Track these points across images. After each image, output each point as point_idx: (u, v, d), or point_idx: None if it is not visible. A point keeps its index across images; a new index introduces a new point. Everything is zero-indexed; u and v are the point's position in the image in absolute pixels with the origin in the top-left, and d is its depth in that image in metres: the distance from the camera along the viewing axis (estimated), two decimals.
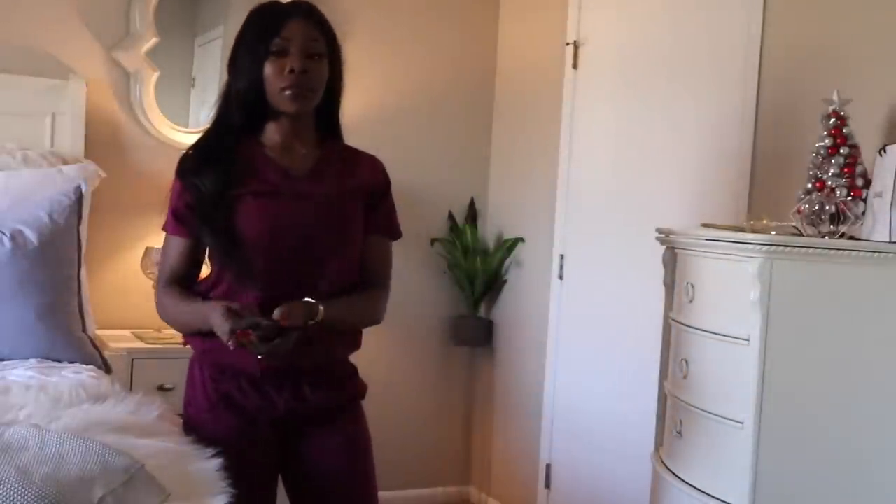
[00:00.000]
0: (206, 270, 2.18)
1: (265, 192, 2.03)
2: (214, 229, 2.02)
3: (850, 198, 2.14)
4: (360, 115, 3.64)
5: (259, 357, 1.91)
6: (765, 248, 1.97)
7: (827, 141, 2.19)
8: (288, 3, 2.08)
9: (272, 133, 2.08)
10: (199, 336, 2.07)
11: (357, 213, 2.12)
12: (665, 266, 2.42)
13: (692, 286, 2.20)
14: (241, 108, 2.05)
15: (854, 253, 1.98)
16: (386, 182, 2.19)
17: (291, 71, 1.97)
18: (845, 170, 2.16)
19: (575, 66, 3.56)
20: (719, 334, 2.09)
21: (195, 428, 2.06)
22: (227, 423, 2.05)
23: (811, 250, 1.99)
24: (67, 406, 2.12)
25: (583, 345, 3.50)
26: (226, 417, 2.05)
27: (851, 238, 2.09)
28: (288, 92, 1.98)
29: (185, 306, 2.06)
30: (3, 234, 2.73)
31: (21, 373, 2.48)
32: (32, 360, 2.62)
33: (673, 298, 2.37)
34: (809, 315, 2.01)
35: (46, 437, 1.68)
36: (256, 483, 2.03)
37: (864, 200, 2.13)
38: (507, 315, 4.00)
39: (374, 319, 2.18)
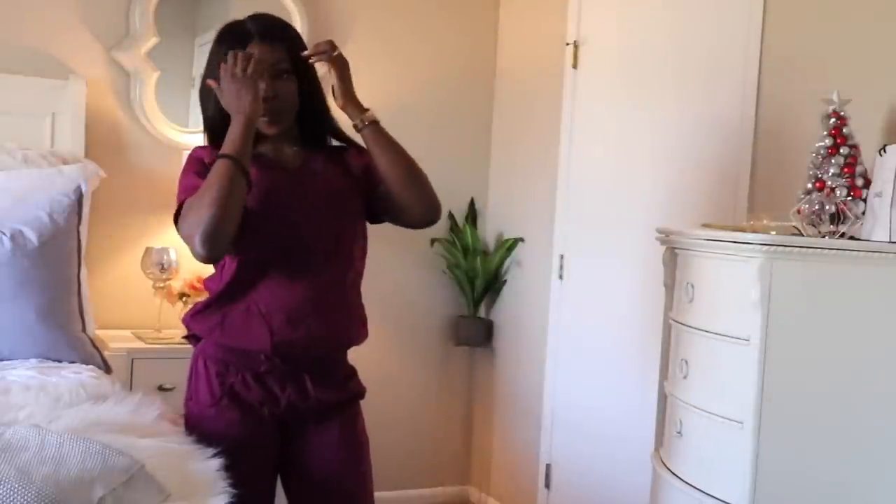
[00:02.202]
0: (206, 270, 2.18)
1: (261, 178, 2.06)
2: None
3: (850, 198, 2.14)
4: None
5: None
6: (765, 248, 1.97)
7: (827, 141, 2.19)
8: (248, 23, 2.09)
9: (260, 142, 2.12)
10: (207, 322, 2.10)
11: (353, 197, 2.16)
12: (665, 266, 2.42)
13: (692, 286, 2.20)
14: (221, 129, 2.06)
15: (854, 253, 1.98)
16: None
17: (264, 99, 2.00)
18: (845, 170, 2.16)
19: (575, 65, 3.56)
20: (719, 334, 2.09)
21: (197, 423, 2.07)
22: (230, 417, 2.07)
23: (811, 250, 1.99)
24: (67, 406, 2.13)
25: (583, 345, 3.50)
26: (229, 411, 2.07)
27: (851, 238, 2.09)
28: (265, 118, 2.04)
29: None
30: (3, 234, 2.73)
31: (21, 373, 2.47)
32: (32, 360, 2.62)
33: (673, 298, 2.37)
34: (809, 315, 2.01)
35: (46, 437, 1.68)
36: (256, 479, 2.03)
37: (864, 200, 2.13)
38: (507, 315, 4.00)
39: (426, 187, 2.12)
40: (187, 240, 1.90)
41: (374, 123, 2.09)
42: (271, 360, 2.07)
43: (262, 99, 1.99)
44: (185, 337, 2.21)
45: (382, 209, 2.18)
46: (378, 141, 2.09)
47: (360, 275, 2.20)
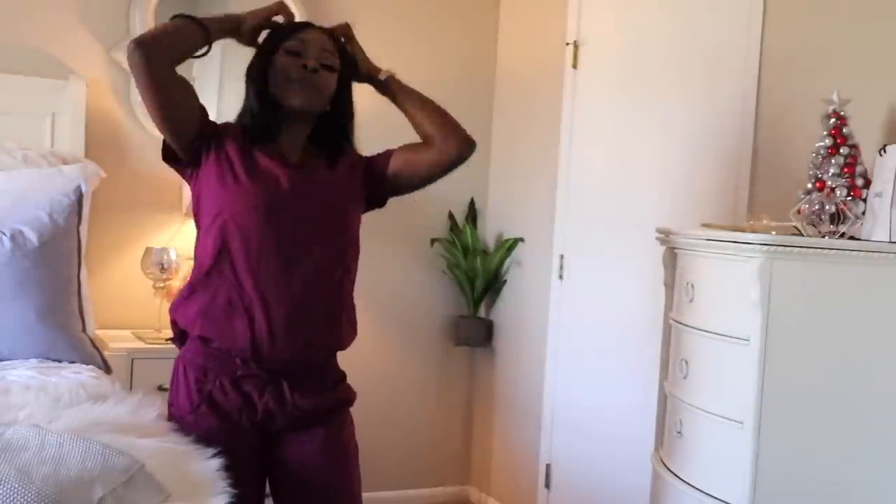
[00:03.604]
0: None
1: (257, 167, 2.09)
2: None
3: (850, 198, 2.14)
4: (360, 114, 3.63)
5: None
6: (765, 248, 1.97)
7: (827, 141, 2.19)
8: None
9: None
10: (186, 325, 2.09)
11: (350, 194, 2.17)
12: (665, 266, 2.42)
13: (692, 286, 2.20)
14: (265, 108, 2.12)
15: (854, 253, 1.98)
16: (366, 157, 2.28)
17: (304, 67, 2.06)
18: (845, 170, 2.17)
19: (575, 65, 3.56)
20: (719, 334, 2.09)
21: (178, 429, 2.06)
22: (208, 424, 2.05)
23: (811, 250, 1.99)
24: (67, 406, 2.12)
25: (583, 345, 3.50)
26: (207, 419, 2.06)
27: (851, 238, 2.09)
28: (297, 84, 2.06)
29: None
30: (3, 234, 2.73)
31: (21, 373, 2.47)
32: (32, 360, 2.62)
33: (673, 298, 2.37)
34: (809, 315, 2.01)
35: (46, 437, 1.68)
36: (239, 485, 2.02)
37: (864, 200, 2.14)
38: (507, 315, 4.00)
39: (457, 123, 2.27)
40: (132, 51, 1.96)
41: (394, 76, 2.26)
42: (248, 363, 2.05)
43: (302, 66, 2.06)
44: (169, 339, 2.21)
45: (408, 175, 2.22)
46: (404, 88, 2.26)
47: (352, 278, 2.18)
